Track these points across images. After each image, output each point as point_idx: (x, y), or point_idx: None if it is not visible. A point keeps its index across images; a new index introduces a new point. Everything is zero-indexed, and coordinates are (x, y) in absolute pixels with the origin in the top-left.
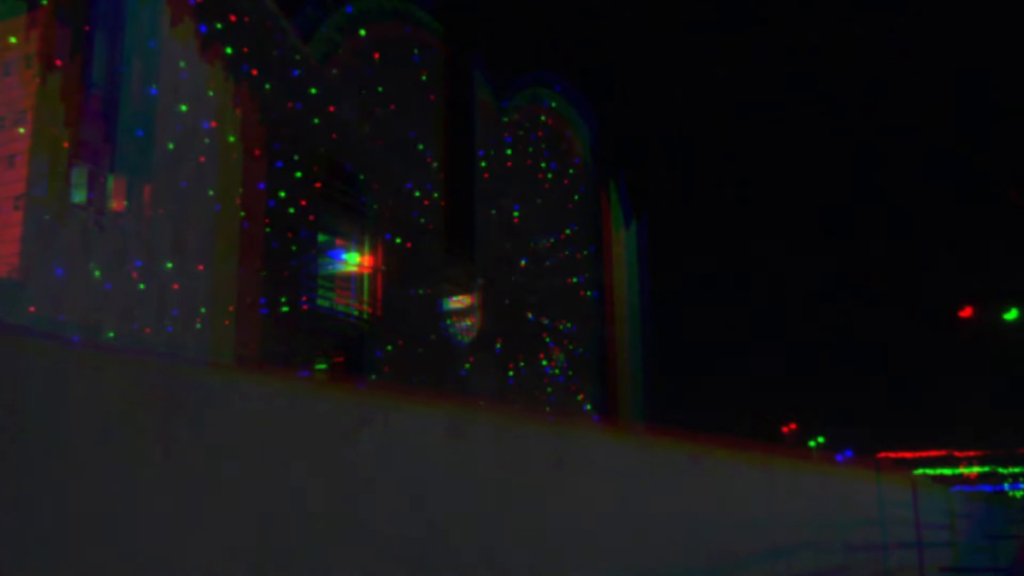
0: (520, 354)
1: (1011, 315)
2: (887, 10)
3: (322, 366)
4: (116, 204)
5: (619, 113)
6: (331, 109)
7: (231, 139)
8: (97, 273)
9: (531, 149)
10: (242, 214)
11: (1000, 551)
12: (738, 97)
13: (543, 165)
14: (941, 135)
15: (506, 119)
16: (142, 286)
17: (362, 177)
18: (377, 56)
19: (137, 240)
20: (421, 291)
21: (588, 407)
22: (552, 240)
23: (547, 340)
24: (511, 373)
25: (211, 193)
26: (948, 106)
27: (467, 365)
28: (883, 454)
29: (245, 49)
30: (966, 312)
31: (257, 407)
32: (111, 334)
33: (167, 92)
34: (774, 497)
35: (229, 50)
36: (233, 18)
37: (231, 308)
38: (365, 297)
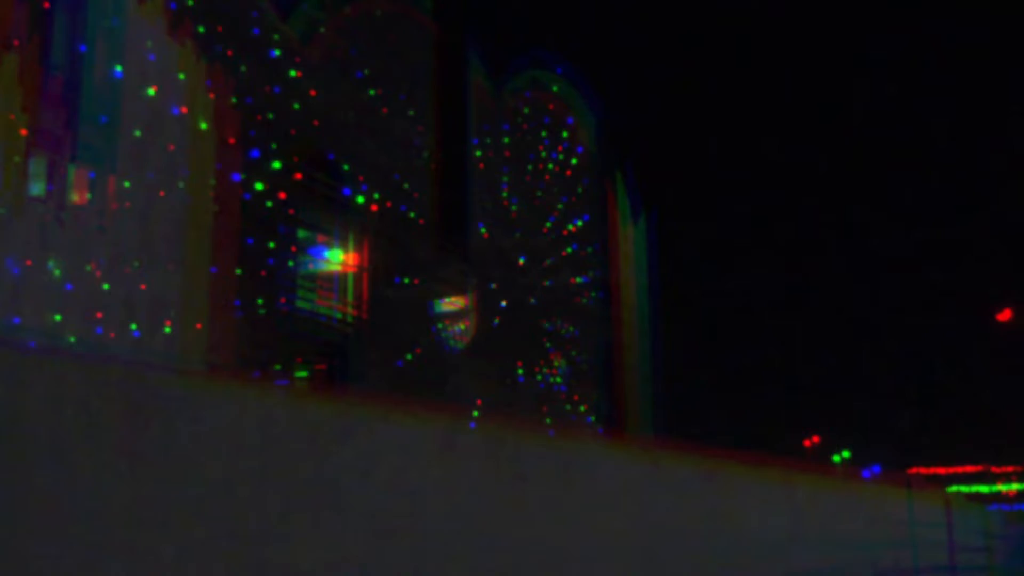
0: (518, 361)
1: None
2: (913, 5)
3: (302, 374)
4: (78, 197)
5: (626, 98)
6: (312, 93)
7: (203, 126)
8: (57, 272)
9: (530, 137)
10: (215, 208)
11: None
12: (758, 77)
13: (543, 155)
14: (966, 134)
15: (503, 105)
16: (106, 286)
17: (346, 167)
18: (363, 36)
19: (101, 236)
20: (410, 292)
21: (592, 418)
22: (553, 236)
23: (548, 345)
24: (508, 381)
25: (181, 185)
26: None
27: (460, 372)
28: (914, 469)
29: (219, 28)
30: (1004, 315)
31: (231, 418)
32: (72, 338)
33: (133, 75)
34: (795, 516)
35: (201, 29)
36: None
37: (203, 310)
38: (349, 298)
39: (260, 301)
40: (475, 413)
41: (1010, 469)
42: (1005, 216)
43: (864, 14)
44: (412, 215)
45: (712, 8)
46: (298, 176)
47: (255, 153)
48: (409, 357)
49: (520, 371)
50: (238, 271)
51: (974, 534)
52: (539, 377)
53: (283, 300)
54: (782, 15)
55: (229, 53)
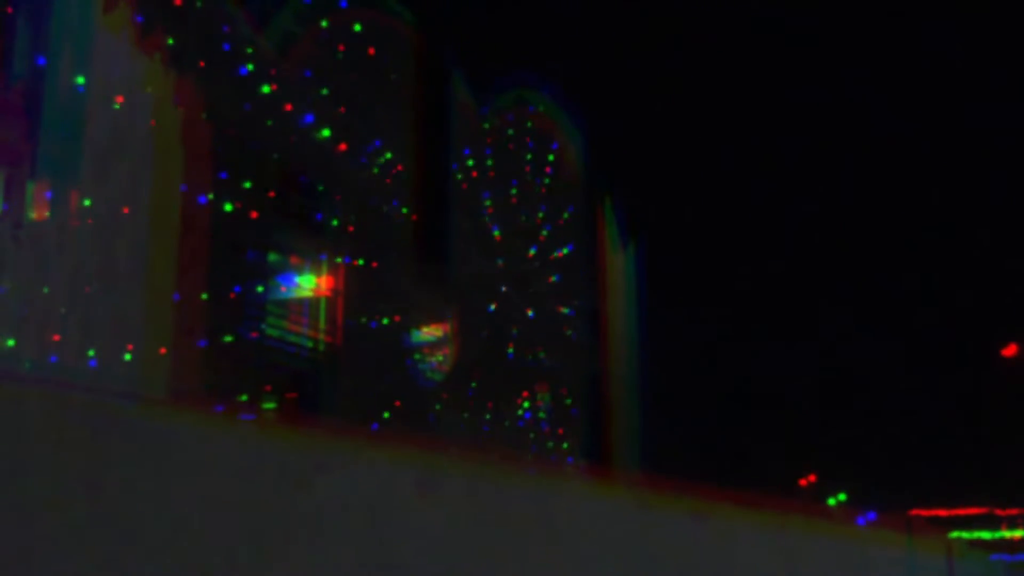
0: (500, 394)
1: None
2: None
3: (271, 405)
4: (37, 214)
5: (615, 122)
6: (287, 109)
7: (171, 142)
8: (12, 293)
9: (515, 159)
10: (181, 228)
11: None
12: (750, 100)
13: (528, 177)
14: (958, 159)
15: (487, 124)
16: (64, 309)
17: (321, 188)
18: (341, 50)
19: (60, 256)
20: (387, 320)
21: (576, 455)
22: (538, 263)
23: (531, 378)
24: (488, 416)
25: (146, 203)
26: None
27: (438, 406)
28: (915, 511)
29: (189, 39)
30: (1010, 350)
31: (196, 451)
32: (27, 364)
33: (98, 87)
34: (788, 562)
35: (171, 41)
36: (177, 2)
37: (167, 336)
38: (322, 326)
39: (227, 328)
40: (453, 448)
41: (1015, 512)
42: (1007, 250)
43: (859, 34)
44: (390, 239)
45: (706, 32)
46: (271, 195)
47: (225, 171)
48: (385, 388)
49: (502, 405)
50: (204, 295)
51: None
52: (521, 412)
53: (252, 327)
54: (776, 40)
55: (200, 66)
